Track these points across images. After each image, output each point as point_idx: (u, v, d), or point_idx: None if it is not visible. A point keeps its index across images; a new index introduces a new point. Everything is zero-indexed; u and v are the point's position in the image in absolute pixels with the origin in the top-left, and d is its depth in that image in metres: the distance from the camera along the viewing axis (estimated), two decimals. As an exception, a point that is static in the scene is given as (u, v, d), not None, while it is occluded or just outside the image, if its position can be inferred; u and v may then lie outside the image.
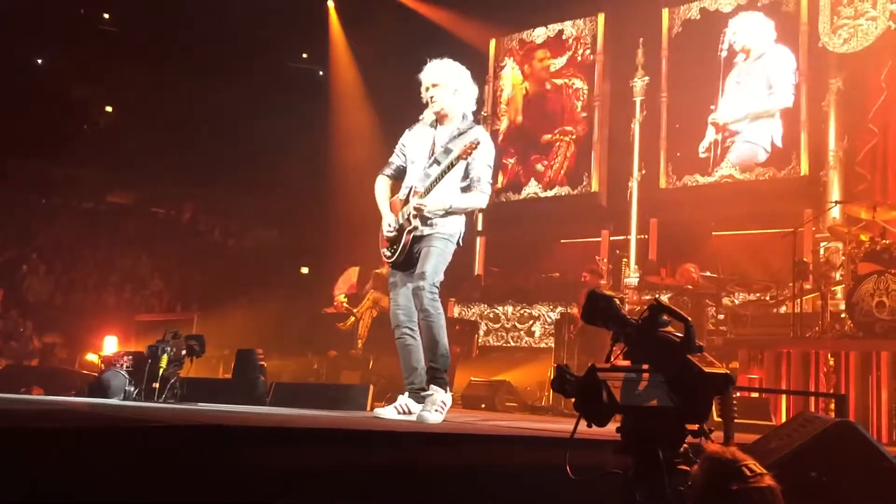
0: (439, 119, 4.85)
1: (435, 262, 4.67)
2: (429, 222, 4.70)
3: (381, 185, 4.98)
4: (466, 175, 4.72)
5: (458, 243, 4.83)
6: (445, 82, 4.77)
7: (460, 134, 4.75)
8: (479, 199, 4.77)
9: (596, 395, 2.54)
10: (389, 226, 4.82)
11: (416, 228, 4.68)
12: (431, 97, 4.78)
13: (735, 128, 10.64)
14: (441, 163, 4.68)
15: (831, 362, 6.64)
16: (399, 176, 4.96)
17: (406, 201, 4.77)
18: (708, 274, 8.86)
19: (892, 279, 6.38)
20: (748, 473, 1.99)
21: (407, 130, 5.02)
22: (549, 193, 12.25)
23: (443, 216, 4.70)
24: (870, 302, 6.41)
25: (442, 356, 4.66)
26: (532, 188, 12.41)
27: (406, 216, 4.71)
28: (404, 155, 4.95)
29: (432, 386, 4.61)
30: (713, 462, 2.05)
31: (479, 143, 4.58)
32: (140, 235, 11.72)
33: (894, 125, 9.63)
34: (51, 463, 2.15)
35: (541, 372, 9.44)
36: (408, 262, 4.76)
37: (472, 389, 8.36)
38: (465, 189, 4.74)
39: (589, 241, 11.67)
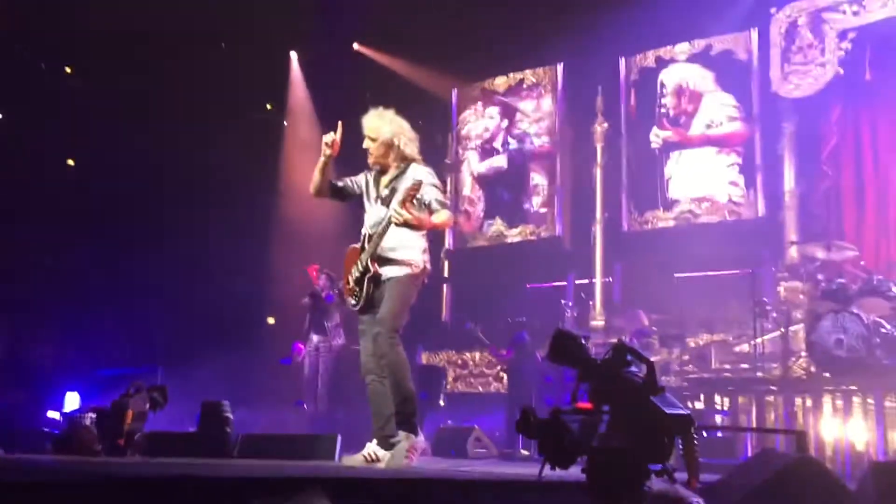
0: (380, 168, 4.97)
1: (392, 306, 4.68)
2: (387, 265, 4.73)
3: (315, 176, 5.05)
4: (420, 206, 4.74)
5: (423, 281, 4.85)
6: (381, 136, 4.87)
7: (400, 174, 4.85)
8: (442, 216, 4.79)
9: (559, 437, 2.58)
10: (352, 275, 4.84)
11: (375, 274, 4.71)
12: (368, 149, 4.92)
13: (687, 194, 10.91)
14: (389, 205, 4.73)
15: (797, 400, 6.76)
16: (338, 192, 5.04)
17: (363, 248, 4.82)
18: (653, 317, 9.12)
19: (849, 317, 6.53)
20: None
21: (365, 171, 5.10)
22: (514, 231, 12.36)
23: (402, 255, 4.73)
24: (828, 340, 6.55)
25: (407, 400, 4.67)
26: (497, 225, 12.52)
27: (364, 262, 4.75)
28: (357, 186, 5.02)
29: (400, 432, 4.61)
30: (659, 501, 2.10)
31: (420, 184, 4.62)
32: (102, 290, 11.58)
33: (847, 166, 9.93)
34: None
35: (509, 418, 9.44)
36: (373, 306, 4.79)
37: (441, 436, 8.33)
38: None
39: (555, 286, 11.76)
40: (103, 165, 11.65)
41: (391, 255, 4.73)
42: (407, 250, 4.75)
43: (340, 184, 5.07)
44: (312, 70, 13.21)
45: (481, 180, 12.83)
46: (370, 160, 4.95)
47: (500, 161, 12.68)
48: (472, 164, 12.92)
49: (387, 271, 4.73)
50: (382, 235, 4.68)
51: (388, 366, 4.66)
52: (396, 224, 4.59)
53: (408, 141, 4.92)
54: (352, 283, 4.85)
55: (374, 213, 4.87)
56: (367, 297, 4.76)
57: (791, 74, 10.05)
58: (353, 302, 4.86)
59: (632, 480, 2.43)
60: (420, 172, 4.79)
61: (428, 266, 4.87)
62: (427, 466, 4.96)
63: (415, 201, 4.64)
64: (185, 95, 11.77)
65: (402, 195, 4.61)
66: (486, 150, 12.82)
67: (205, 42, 12.01)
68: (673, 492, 2.12)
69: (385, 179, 4.91)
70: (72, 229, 11.60)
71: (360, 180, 5.06)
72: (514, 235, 12.40)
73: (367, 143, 4.91)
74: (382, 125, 4.89)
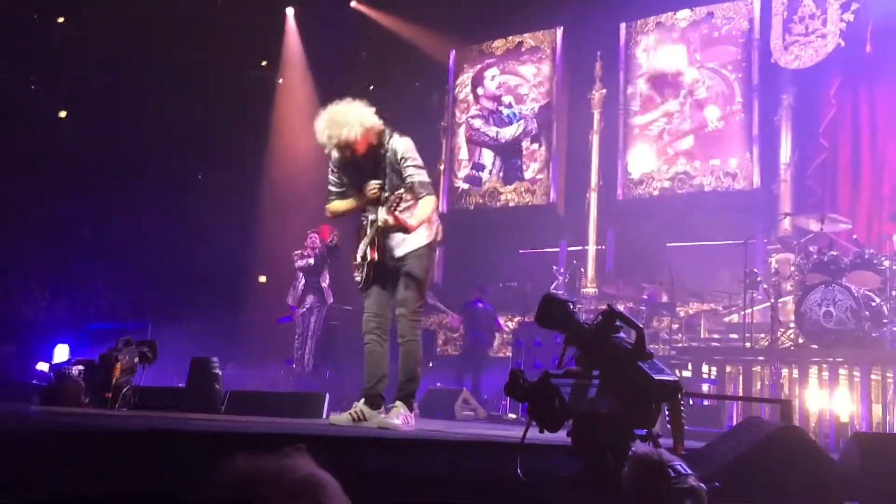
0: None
1: (416, 287, 4.62)
2: (400, 246, 4.64)
3: (333, 205, 4.89)
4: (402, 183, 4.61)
5: (435, 240, 4.75)
6: (356, 132, 4.47)
7: (379, 147, 4.60)
8: (427, 204, 4.61)
9: (548, 400, 2.57)
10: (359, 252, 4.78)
11: (372, 261, 4.62)
12: (353, 156, 4.55)
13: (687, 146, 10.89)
14: (385, 178, 4.59)
15: (783, 371, 6.80)
16: (342, 198, 4.85)
17: (365, 231, 4.74)
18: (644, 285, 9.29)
19: (839, 289, 6.54)
20: (673, 475, 2.05)
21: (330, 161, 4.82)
22: (509, 188, 12.33)
23: (411, 238, 4.63)
24: (817, 312, 6.57)
25: (413, 381, 4.67)
26: (492, 182, 12.48)
27: (364, 249, 4.68)
28: (340, 180, 4.79)
29: (398, 402, 4.60)
30: (641, 462, 2.12)
31: (401, 196, 4.46)
32: (92, 244, 11.53)
33: (844, 140, 9.89)
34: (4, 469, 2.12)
35: (498, 380, 9.49)
36: (378, 281, 4.73)
37: (430, 398, 8.36)
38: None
39: (547, 252, 11.76)
40: (95, 119, 11.52)
41: (403, 239, 4.63)
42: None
43: (340, 192, 4.84)
44: (308, 28, 13.03)
45: (477, 143, 12.75)
46: (359, 156, 4.57)
47: (496, 125, 12.60)
48: (469, 128, 12.84)
49: (401, 250, 4.65)
50: (377, 231, 4.60)
51: (404, 345, 4.64)
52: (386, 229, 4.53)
53: (370, 114, 4.56)
54: (358, 260, 4.80)
55: (364, 185, 4.67)
56: (367, 280, 4.69)
57: (792, 45, 9.96)
58: (358, 279, 4.80)
59: (617, 445, 2.43)
60: (400, 146, 4.60)
61: (438, 227, 4.78)
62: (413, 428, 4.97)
63: (405, 201, 4.54)
64: (179, 51, 11.62)
65: (389, 201, 4.47)
66: (483, 115, 12.74)
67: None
68: (655, 455, 2.13)
69: (363, 159, 4.62)
70: (62, 183, 11.51)
71: (338, 174, 4.78)
72: (508, 192, 12.35)
73: (347, 153, 4.53)
74: (346, 123, 4.46)
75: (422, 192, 4.61)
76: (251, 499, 1.07)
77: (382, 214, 4.50)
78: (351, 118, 4.48)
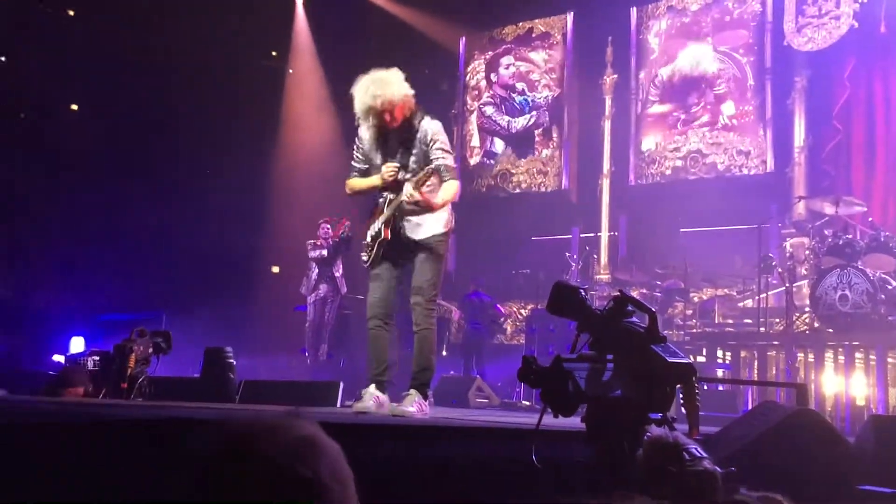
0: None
1: (432, 275, 4.62)
2: (416, 229, 4.64)
3: (353, 182, 4.87)
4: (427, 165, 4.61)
5: (451, 228, 4.77)
6: (396, 98, 4.50)
7: (409, 127, 4.60)
8: (451, 187, 4.65)
9: (562, 385, 2.56)
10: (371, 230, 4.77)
11: (385, 240, 4.63)
12: (385, 125, 4.55)
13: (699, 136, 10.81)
14: (407, 166, 4.60)
15: (799, 355, 6.76)
16: (365, 176, 4.84)
17: (382, 210, 4.72)
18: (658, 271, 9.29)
19: (855, 273, 6.50)
20: (687, 457, 2.05)
21: (361, 129, 4.79)
22: (521, 164, 12.29)
23: (429, 224, 4.64)
24: (833, 295, 6.52)
25: (427, 370, 4.66)
26: (504, 163, 12.45)
27: (377, 228, 4.67)
28: (364, 156, 4.79)
29: (412, 390, 4.60)
30: (655, 445, 2.12)
31: (433, 171, 4.46)
32: (105, 235, 11.57)
33: (858, 122, 9.79)
34: (14, 459, 2.13)
35: (512, 368, 9.48)
36: (386, 263, 4.73)
37: (443, 386, 8.37)
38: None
39: (560, 238, 11.72)
40: (106, 110, 11.54)
41: (419, 224, 4.64)
42: (432, 213, 4.65)
43: (363, 170, 4.83)
44: (317, 17, 12.99)
45: (489, 132, 12.71)
46: (393, 126, 4.55)
47: (508, 114, 12.55)
48: (481, 115, 12.79)
49: (415, 234, 4.65)
50: (395, 209, 4.60)
51: (419, 333, 4.63)
52: (408, 205, 4.52)
53: (407, 84, 4.60)
54: (368, 240, 4.81)
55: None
56: (375, 258, 4.70)
57: (805, 27, 9.87)
58: (365, 259, 4.80)
59: (631, 429, 2.42)
60: (432, 128, 4.61)
61: (451, 220, 4.77)
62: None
63: (430, 181, 4.53)
64: (188, 41, 11.62)
65: (417, 176, 4.46)
66: (496, 102, 12.68)
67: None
68: (670, 438, 2.12)
69: (396, 134, 4.63)
70: (74, 174, 11.55)
71: (365, 150, 4.77)
72: (520, 172, 12.29)
73: (386, 119, 4.51)
74: (389, 88, 4.48)
75: (447, 176, 4.65)
76: (244, 453, 1.06)
77: (409, 189, 4.47)
78: (394, 81, 4.53)
